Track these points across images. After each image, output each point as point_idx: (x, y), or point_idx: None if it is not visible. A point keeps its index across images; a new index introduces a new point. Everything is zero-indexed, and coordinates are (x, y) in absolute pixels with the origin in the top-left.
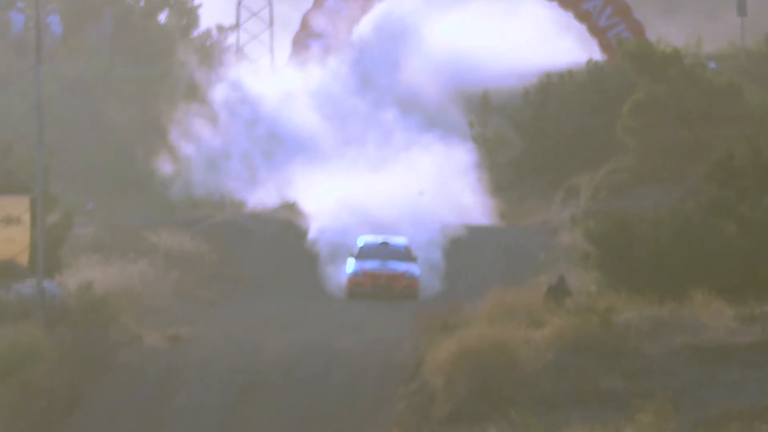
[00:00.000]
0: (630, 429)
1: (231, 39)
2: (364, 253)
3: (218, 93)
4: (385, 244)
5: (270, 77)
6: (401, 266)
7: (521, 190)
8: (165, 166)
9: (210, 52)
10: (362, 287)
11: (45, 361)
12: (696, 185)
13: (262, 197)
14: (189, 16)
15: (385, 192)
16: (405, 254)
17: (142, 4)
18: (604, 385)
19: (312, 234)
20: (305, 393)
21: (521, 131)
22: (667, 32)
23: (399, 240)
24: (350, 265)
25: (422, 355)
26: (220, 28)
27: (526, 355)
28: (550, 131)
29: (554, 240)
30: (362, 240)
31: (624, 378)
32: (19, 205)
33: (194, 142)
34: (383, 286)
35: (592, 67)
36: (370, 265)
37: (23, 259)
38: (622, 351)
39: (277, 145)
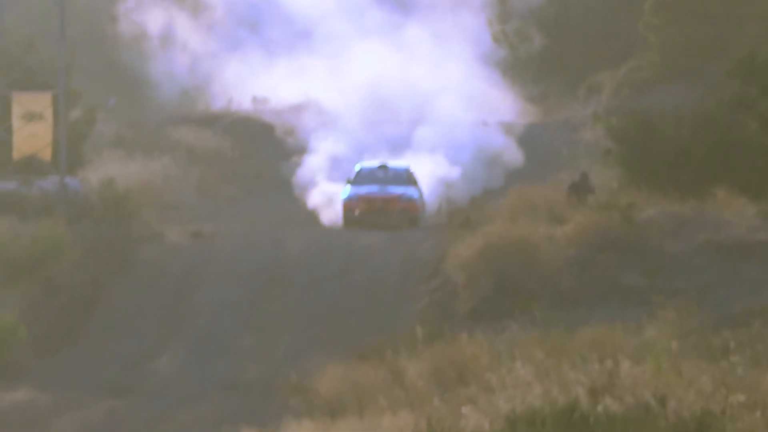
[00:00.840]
0: (652, 326)
1: None
2: (360, 178)
3: None
4: (383, 167)
5: None
6: (399, 189)
7: (543, 87)
8: (184, 60)
9: None
10: (357, 212)
11: (67, 257)
12: (718, 83)
13: (282, 92)
14: None
15: (408, 88)
16: (405, 178)
17: None
18: (626, 281)
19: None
20: (328, 289)
21: (543, 28)
22: None
23: (399, 163)
24: (345, 190)
25: (444, 252)
26: None
27: (547, 251)
28: (573, 28)
29: (576, 137)
30: (359, 165)
31: (646, 275)
32: (41, 101)
33: (210, 34)
34: (379, 210)
35: None
36: (366, 189)
37: (46, 155)
38: (644, 248)
39: (299, 39)
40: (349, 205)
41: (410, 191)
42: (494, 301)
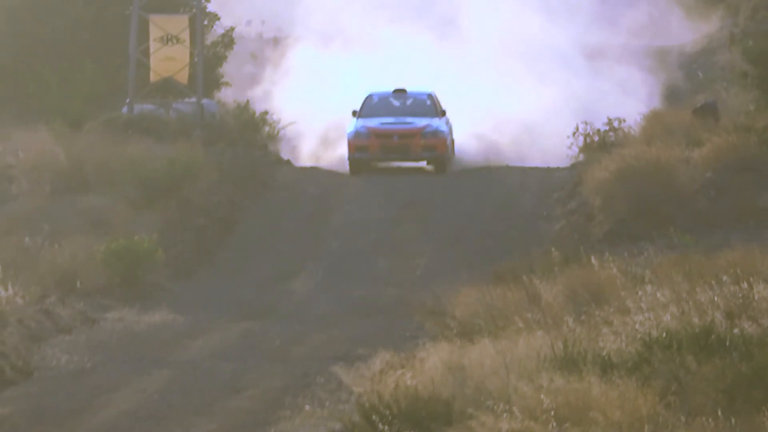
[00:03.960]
0: None
1: None
2: (370, 109)
3: None
4: (400, 92)
5: None
6: (420, 122)
7: (680, 8)
8: None
9: None
10: (367, 152)
11: (203, 179)
12: None
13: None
14: None
15: None
16: (428, 107)
17: None
18: (763, 204)
19: None
20: (462, 211)
21: None
22: None
23: (420, 89)
24: (351, 125)
25: (580, 175)
26: None
27: (684, 174)
28: None
29: (712, 59)
30: (369, 92)
31: None
32: (178, 24)
33: None
34: (395, 148)
35: None
36: (378, 122)
37: (183, 77)
38: None
39: None
40: (356, 143)
41: (435, 123)
42: (630, 224)
